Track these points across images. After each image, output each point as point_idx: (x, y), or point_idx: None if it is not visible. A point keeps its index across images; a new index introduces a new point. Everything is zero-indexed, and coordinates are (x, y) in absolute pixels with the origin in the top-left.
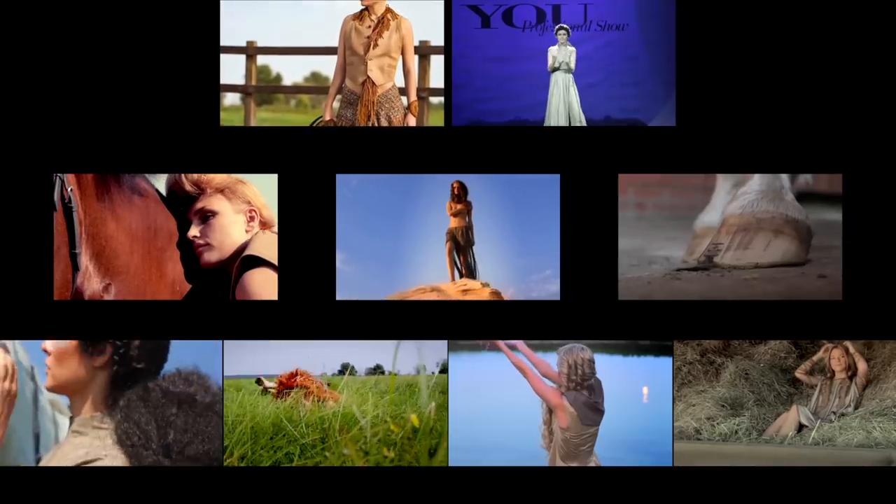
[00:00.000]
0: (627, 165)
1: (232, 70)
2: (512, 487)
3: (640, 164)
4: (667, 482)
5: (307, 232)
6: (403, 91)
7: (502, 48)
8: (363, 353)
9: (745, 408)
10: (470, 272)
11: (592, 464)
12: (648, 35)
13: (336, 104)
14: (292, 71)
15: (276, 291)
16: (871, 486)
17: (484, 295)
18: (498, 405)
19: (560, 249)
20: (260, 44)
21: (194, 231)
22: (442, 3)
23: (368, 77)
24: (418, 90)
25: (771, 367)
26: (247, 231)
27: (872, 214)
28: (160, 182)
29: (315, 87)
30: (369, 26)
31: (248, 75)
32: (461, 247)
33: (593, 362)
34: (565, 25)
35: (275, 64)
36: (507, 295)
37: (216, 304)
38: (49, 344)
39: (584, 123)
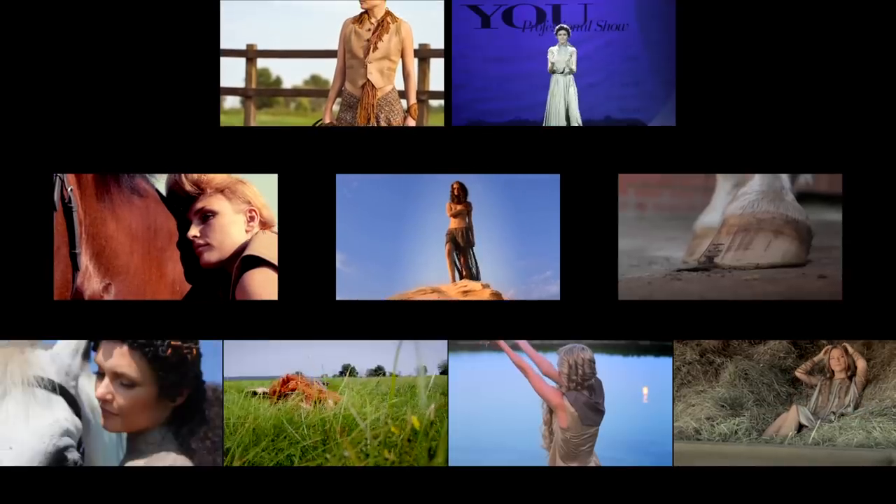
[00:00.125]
0: (627, 165)
1: (232, 73)
2: (512, 487)
3: (640, 164)
4: (667, 482)
5: (307, 232)
6: (403, 94)
7: (502, 48)
8: (363, 353)
9: (744, 408)
10: (470, 273)
11: (592, 464)
12: (648, 35)
13: (336, 107)
14: (292, 74)
15: (276, 291)
16: (871, 486)
17: (484, 296)
18: (498, 405)
19: (560, 249)
20: (260, 47)
21: (194, 231)
22: (442, 3)
23: (368, 80)
24: (418, 93)
25: (770, 367)
26: (247, 231)
27: (872, 214)
28: (160, 182)
29: (315, 90)
30: (369, 29)
31: (248, 78)
32: (461, 248)
33: (594, 362)
34: (565, 26)
35: (275, 67)
36: (508, 296)
37: (216, 304)
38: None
39: (580, 124)
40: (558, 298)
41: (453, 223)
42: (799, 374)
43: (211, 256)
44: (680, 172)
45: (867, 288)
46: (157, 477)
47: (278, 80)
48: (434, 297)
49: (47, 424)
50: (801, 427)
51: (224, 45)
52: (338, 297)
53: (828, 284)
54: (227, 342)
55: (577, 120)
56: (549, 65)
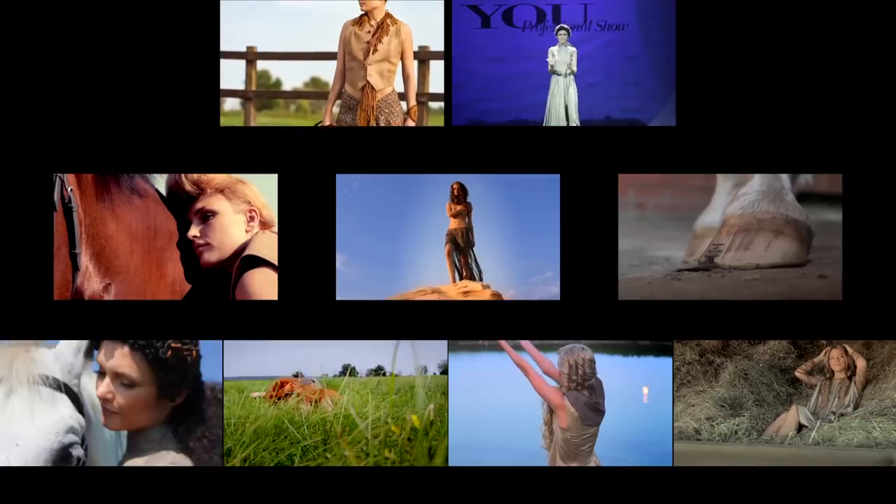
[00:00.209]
0: (627, 165)
1: (232, 75)
2: (512, 487)
3: (640, 164)
4: (667, 482)
5: (307, 232)
6: (403, 96)
7: (502, 48)
8: (363, 353)
9: (744, 408)
10: (471, 273)
11: (592, 464)
12: (648, 35)
13: (336, 109)
14: (292, 76)
15: (276, 291)
16: (871, 486)
17: (485, 297)
18: (498, 405)
19: (560, 249)
20: (260, 49)
21: (194, 231)
22: (442, 3)
23: (368, 82)
24: (417, 95)
25: (770, 367)
26: (247, 231)
27: (872, 214)
28: (160, 182)
29: (315, 92)
30: (369, 31)
31: (247, 80)
32: (461, 248)
33: (594, 362)
34: (565, 25)
35: (275, 69)
36: (508, 297)
37: (216, 304)
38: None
39: (577, 123)
40: (558, 298)
41: (453, 223)
42: (799, 374)
43: (211, 256)
44: (680, 172)
45: (867, 288)
46: (158, 476)
47: (278, 83)
48: (434, 297)
49: (52, 422)
50: (800, 427)
51: (224, 47)
52: (338, 298)
53: (828, 284)
54: (227, 342)
55: (575, 120)
56: (550, 66)
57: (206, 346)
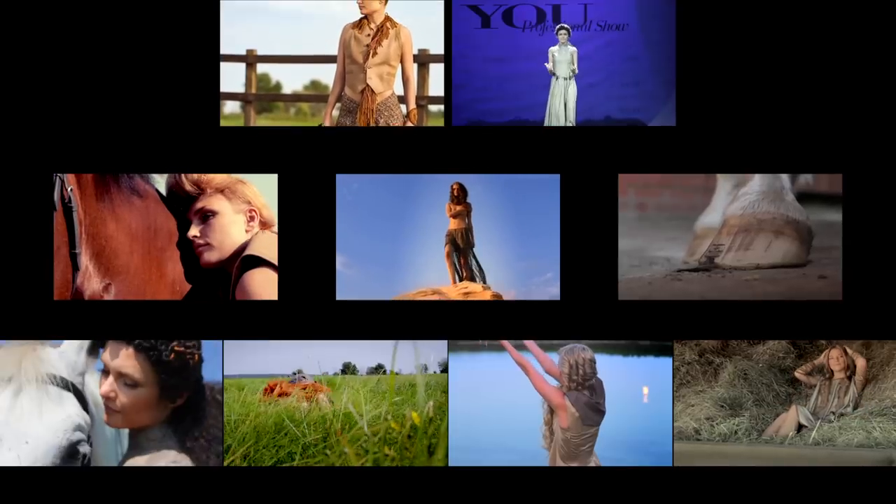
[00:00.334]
0: (627, 165)
1: (232, 78)
2: (512, 487)
3: (640, 164)
4: (667, 482)
5: (307, 232)
6: (402, 99)
7: (502, 48)
8: (363, 353)
9: (744, 408)
10: (471, 274)
11: (592, 464)
12: (648, 35)
13: (335, 112)
14: (292, 79)
15: (276, 291)
16: (871, 486)
17: (485, 298)
18: (498, 405)
19: (560, 249)
20: (260, 52)
21: (194, 231)
22: (442, 3)
23: (368, 85)
24: (417, 98)
25: (769, 367)
26: (247, 231)
27: (872, 214)
28: (160, 182)
29: (314, 95)
30: (368, 34)
31: (247, 83)
32: (461, 249)
33: (594, 362)
34: (566, 25)
35: (274, 72)
36: (508, 298)
37: (216, 304)
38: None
39: (573, 123)
40: (558, 298)
41: (453, 224)
42: (799, 374)
43: (211, 256)
44: (680, 172)
45: (867, 288)
46: (158, 476)
47: (278, 85)
48: (435, 298)
49: (60, 420)
50: (800, 427)
51: (224, 49)
52: (338, 298)
53: (828, 284)
54: (227, 342)
55: (571, 120)
56: (550, 71)
57: (208, 350)
